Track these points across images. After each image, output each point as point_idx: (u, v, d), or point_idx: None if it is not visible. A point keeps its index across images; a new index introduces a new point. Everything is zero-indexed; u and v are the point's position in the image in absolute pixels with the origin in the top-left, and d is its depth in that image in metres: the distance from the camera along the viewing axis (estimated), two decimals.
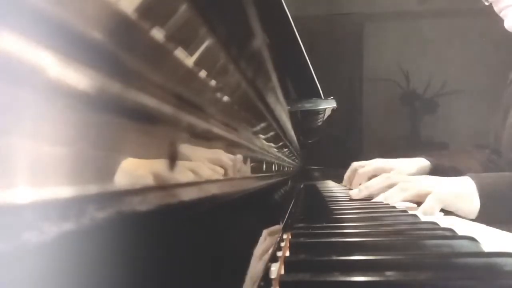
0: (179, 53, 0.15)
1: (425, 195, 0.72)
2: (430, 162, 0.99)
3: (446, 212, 0.72)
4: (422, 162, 0.99)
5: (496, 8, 0.96)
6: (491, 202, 0.72)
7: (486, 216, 0.71)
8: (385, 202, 0.78)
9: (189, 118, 0.18)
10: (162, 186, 0.15)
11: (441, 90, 3.08)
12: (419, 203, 0.73)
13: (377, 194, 0.84)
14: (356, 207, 0.76)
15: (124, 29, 0.11)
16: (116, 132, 0.12)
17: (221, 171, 0.26)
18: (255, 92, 0.27)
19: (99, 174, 0.11)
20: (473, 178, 0.75)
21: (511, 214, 0.70)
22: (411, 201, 0.77)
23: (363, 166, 1.04)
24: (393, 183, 0.81)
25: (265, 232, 0.35)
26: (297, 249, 0.39)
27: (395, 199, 0.78)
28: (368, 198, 0.85)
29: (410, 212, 0.65)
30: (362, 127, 3.22)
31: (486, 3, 0.97)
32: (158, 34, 0.13)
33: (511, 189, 0.72)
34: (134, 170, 0.13)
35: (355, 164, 1.09)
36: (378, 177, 0.87)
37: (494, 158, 0.98)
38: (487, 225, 0.57)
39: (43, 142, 0.09)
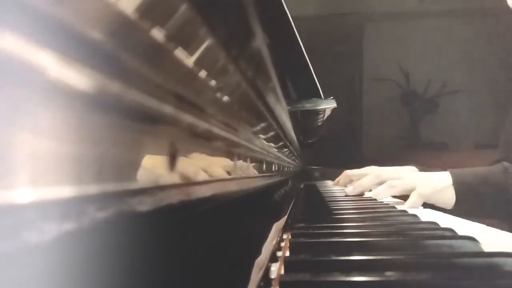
0: (179, 53, 0.15)
1: (410, 190, 0.85)
2: (419, 170, 1.02)
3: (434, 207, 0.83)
4: (412, 171, 1.02)
5: None
6: (465, 195, 0.84)
7: (461, 207, 0.84)
8: (374, 197, 0.90)
9: (189, 118, 0.18)
10: (162, 186, 0.15)
11: (441, 90, 3.07)
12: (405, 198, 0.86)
13: (369, 191, 0.97)
14: (356, 207, 0.77)
15: (124, 29, 0.11)
16: (116, 132, 0.12)
17: (221, 171, 0.26)
18: (255, 92, 0.27)
19: (99, 174, 0.11)
20: (451, 173, 0.87)
21: (482, 205, 0.84)
22: (398, 196, 0.91)
23: (357, 175, 1.07)
24: (383, 181, 0.93)
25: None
26: (297, 249, 0.39)
27: (384, 195, 0.90)
28: (361, 195, 0.98)
29: (410, 212, 0.65)
30: (362, 127, 3.22)
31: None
32: (158, 34, 0.13)
33: (483, 184, 0.84)
34: (134, 170, 0.13)
35: (348, 172, 1.14)
36: (369, 175, 0.99)
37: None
38: (463, 216, 0.65)
39: (43, 142, 0.09)
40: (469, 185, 0.84)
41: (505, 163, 0.87)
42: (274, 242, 0.35)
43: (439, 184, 0.86)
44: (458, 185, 0.85)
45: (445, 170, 0.89)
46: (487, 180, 0.84)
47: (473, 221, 0.59)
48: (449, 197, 0.85)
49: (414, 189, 0.84)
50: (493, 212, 0.85)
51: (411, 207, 0.81)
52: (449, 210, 0.85)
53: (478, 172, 0.87)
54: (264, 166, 0.47)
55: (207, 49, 0.17)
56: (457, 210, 0.84)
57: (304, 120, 0.92)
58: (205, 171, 0.22)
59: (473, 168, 0.89)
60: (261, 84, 0.26)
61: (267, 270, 0.31)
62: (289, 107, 0.65)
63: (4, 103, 0.08)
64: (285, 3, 0.72)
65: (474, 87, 2.99)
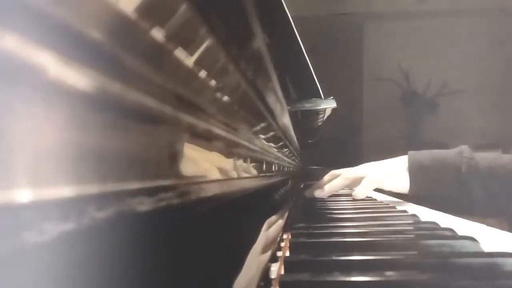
0: (179, 53, 0.15)
1: (361, 179, 0.87)
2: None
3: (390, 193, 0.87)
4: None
5: None
6: (418, 177, 0.83)
7: (415, 190, 0.83)
8: (330, 190, 0.91)
9: (189, 118, 0.18)
10: (162, 186, 0.15)
11: (441, 90, 3.07)
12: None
13: (331, 187, 0.95)
14: (355, 207, 0.77)
15: (124, 29, 0.11)
16: (115, 132, 0.12)
17: (221, 171, 0.26)
18: (255, 92, 0.27)
19: (99, 174, 0.11)
20: (408, 156, 0.85)
21: (434, 187, 0.81)
22: (350, 186, 0.93)
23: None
24: (338, 174, 0.94)
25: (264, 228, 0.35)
26: (297, 249, 0.39)
27: (338, 187, 0.91)
28: (338, 194, 0.99)
29: (410, 212, 0.65)
30: (362, 127, 3.22)
31: None
32: (158, 34, 0.13)
33: (437, 165, 0.82)
34: (134, 170, 0.13)
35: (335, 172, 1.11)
36: (327, 175, 0.99)
37: None
38: (418, 199, 0.67)
39: (43, 142, 0.09)
40: (422, 167, 0.83)
41: (463, 146, 0.84)
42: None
43: (391, 168, 0.86)
44: (412, 168, 0.83)
45: None
46: (442, 162, 0.82)
47: (473, 220, 0.59)
48: (404, 182, 0.84)
49: (364, 177, 0.87)
50: (447, 195, 0.82)
51: (361, 192, 0.84)
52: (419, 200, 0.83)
53: (435, 154, 0.85)
54: (264, 166, 0.47)
55: (207, 49, 0.17)
56: (413, 193, 0.83)
57: (304, 120, 0.92)
58: (205, 171, 0.22)
59: (430, 150, 0.87)
60: (261, 84, 0.26)
61: (267, 270, 0.31)
62: (289, 107, 0.65)
63: (4, 103, 0.08)
64: (285, 3, 0.72)
65: (474, 87, 2.99)
